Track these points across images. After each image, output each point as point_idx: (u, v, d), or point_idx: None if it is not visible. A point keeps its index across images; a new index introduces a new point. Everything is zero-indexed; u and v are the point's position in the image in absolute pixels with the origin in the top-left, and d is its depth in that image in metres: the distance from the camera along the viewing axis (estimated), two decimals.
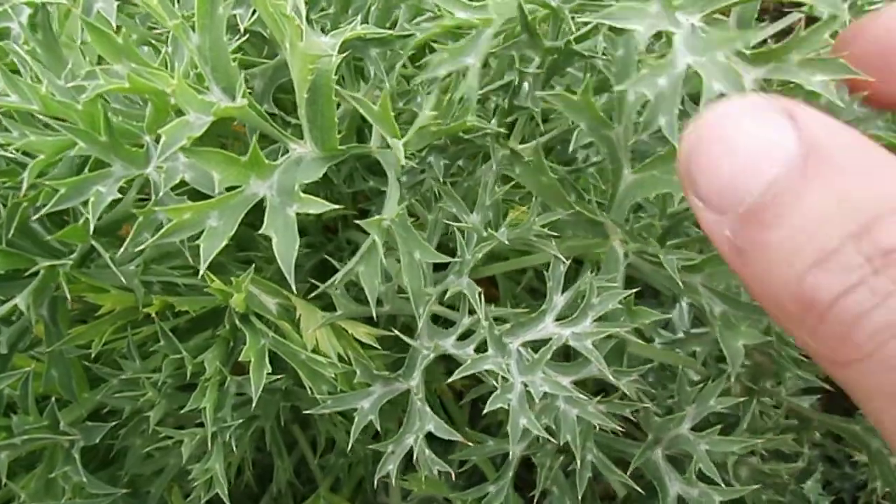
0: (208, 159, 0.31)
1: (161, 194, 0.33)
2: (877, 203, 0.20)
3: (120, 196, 0.34)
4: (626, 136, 0.43)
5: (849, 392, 0.22)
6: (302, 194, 0.33)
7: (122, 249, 0.32)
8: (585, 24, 0.47)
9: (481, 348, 0.44)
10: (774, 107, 0.22)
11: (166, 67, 0.36)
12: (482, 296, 0.45)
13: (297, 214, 0.63)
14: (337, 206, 0.33)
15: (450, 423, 0.71)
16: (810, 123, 0.21)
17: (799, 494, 0.50)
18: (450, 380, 0.43)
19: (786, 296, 0.21)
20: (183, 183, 0.37)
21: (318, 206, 0.33)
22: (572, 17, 0.44)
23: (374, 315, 0.40)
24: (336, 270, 0.45)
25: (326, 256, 0.57)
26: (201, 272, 0.30)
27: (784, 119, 0.22)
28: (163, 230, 0.31)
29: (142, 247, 0.31)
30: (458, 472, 0.69)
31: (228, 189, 0.34)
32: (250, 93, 0.43)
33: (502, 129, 0.45)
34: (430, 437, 0.70)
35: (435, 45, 0.37)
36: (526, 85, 0.46)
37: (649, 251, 0.44)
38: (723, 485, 0.42)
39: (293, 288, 0.33)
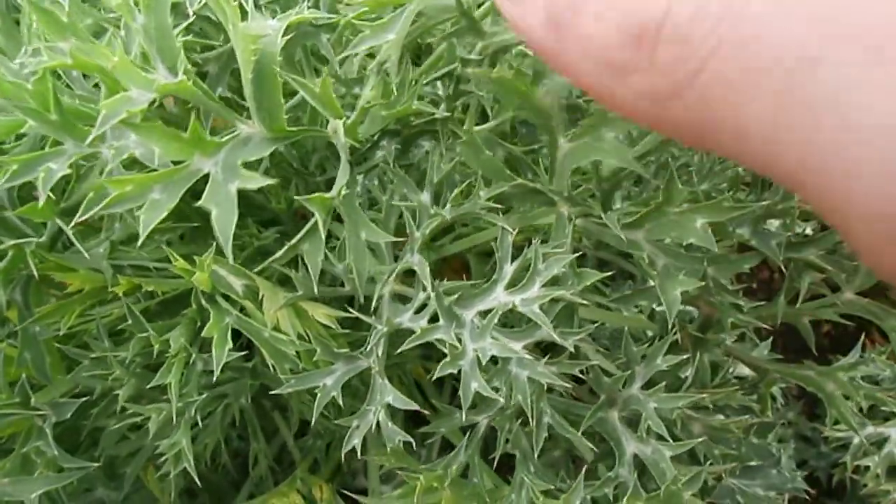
0: (149, 133, 0.32)
1: (110, 168, 0.34)
2: None
3: (69, 172, 0.35)
4: (557, 106, 0.44)
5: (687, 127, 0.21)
6: (242, 169, 0.34)
7: (72, 224, 0.34)
8: None
9: (435, 320, 0.46)
10: None
11: (118, 46, 0.37)
12: (433, 274, 0.46)
13: (266, 203, 0.64)
14: (273, 181, 0.35)
15: (425, 402, 0.72)
16: None
17: (754, 447, 0.52)
18: (399, 350, 0.44)
19: (614, 43, 0.20)
20: (141, 165, 0.39)
21: (258, 181, 0.34)
22: None
23: (316, 290, 0.41)
24: None
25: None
26: (140, 240, 0.32)
27: None
28: (105, 200, 0.32)
29: (83, 217, 0.33)
30: (438, 451, 0.71)
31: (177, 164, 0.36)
32: (202, 76, 0.45)
33: (447, 114, 0.47)
34: (406, 419, 0.72)
35: (357, 24, 0.39)
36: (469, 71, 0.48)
37: (594, 213, 0.46)
38: (671, 441, 0.43)
39: (230, 259, 0.34)
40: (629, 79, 0.21)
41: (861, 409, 0.54)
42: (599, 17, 0.21)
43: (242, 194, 0.45)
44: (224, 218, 0.34)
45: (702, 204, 0.37)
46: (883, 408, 0.53)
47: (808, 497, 0.59)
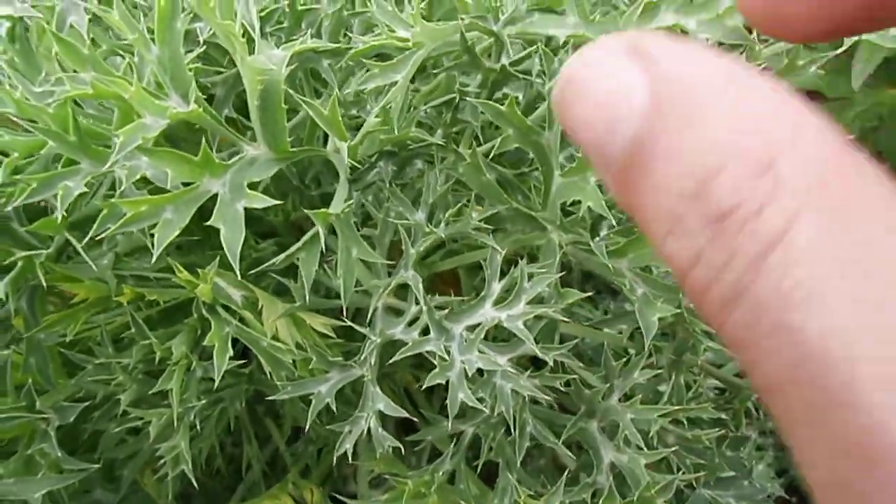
0: (162, 158, 0.35)
1: (123, 188, 0.37)
2: (716, 154, 0.18)
3: (87, 190, 0.37)
4: (555, 141, 0.47)
5: None
6: (248, 190, 0.37)
7: (86, 238, 0.36)
8: (524, 47, 0.52)
9: (426, 333, 0.49)
10: (622, 48, 0.19)
11: (133, 74, 0.40)
12: (425, 287, 0.49)
13: (264, 216, 0.66)
14: (278, 202, 0.37)
15: (415, 410, 0.75)
16: (659, 59, 0.19)
17: (727, 458, 0.54)
18: (392, 360, 0.47)
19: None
20: (147, 182, 0.41)
21: (263, 201, 0.37)
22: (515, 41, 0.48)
23: (307, 298, 0.43)
24: None
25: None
26: (154, 257, 0.34)
27: (633, 62, 0.19)
28: (122, 220, 0.34)
29: (102, 235, 0.35)
30: (427, 459, 0.74)
31: (186, 185, 0.38)
32: (207, 99, 0.47)
33: (442, 141, 0.50)
34: (396, 427, 0.74)
35: (366, 63, 0.41)
36: (468, 100, 0.51)
37: (582, 241, 0.48)
38: (646, 450, 0.46)
39: (237, 273, 0.36)
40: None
41: None
42: (648, 227, 0.19)
43: None
44: (232, 236, 0.36)
45: None
46: None
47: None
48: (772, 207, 0.17)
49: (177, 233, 0.35)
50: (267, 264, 0.42)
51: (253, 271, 0.53)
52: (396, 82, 0.39)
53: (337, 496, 0.75)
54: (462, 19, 0.41)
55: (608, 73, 0.20)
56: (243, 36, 0.38)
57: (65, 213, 0.47)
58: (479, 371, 0.47)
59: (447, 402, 0.49)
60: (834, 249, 0.16)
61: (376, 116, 0.46)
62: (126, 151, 0.34)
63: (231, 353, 0.49)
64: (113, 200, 0.35)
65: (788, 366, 0.17)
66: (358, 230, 0.53)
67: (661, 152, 0.19)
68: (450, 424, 0.47)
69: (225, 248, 0.36)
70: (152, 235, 0.40)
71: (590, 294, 0.46)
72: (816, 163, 0.17)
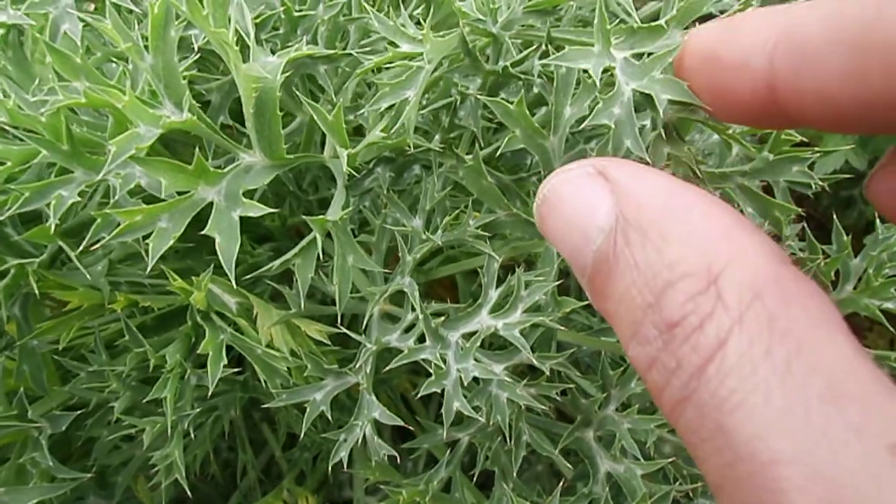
0: (156, 168, 0.35)
1: (117, 197, 0.36)
2: (669, 269, 0.20)
3: (80, 199, 0.37)
4: (560, 146, 0.47)
5: None
6: (244, 199, 0.37)
7: (80, 247, 0.36)
8: (523, 48, 0.52)
9: (422, 341, 0.48)
10: (590, 171, 0.22)
11: (127, 82, 0.39)
12: (422, 293, 0.49)
13: (261, 221, 0.66)
14: (273, 210, 0.37)
15: (411, 417, 0.74)
16: (622, 184, 0.21)
17: None
18: (387, 368, 0.47)
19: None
20: (142, 189, 0.41)
21: (259, 210, 0.37)
22: (513, 43, 0.48)
23: (303, 304, 0.43)
24: None
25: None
26: (149, 266, 0.33)
27: (600, 183, 0.22)
28: (117, 230, 0.34)
29: (97, 245, 0.35)
30: (423, 466, 0.73)
31: (181, 194, 0.38)
32: (203, 106, 0.47)
33: (440, 147, 0.49)
34: (393, 433, 0.73)
35: (374, 80, 0.41)
36: (468, 103, 0.51)
37: None
38: (643, 460, 0.46)
39: (233, 281, 0.36)
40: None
41: None
42: (617, 331, 0.21)
43: None
44: (227, 245, 0.36)
45: None
46: None
47: None
48: (711, 322, 0.19)
49: (171, 242, 0.35)
50: (262, 269, 0.42)
51: (248, 276, 0.53)
52: (408, 99, 0.39)
53: (332, 503, 0.75)
54: (463, 24, 0.41)
55: (577, 194, 0.22)
56: (238, 43, 0.38)
57: (58, 221, 0.47)
58: (475, 379, 0.47)
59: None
60: (762, 363, 0.18)
61: (383, 130, 0.45)
62: (119, 161, 0.33)
63: (225, 360, 0.49)
64: (107, 210, 0.34)
65: (726, 466, 0.18)
66: (355, 236, 0.53)
67: (623, 265, 0.21)
68: (445, 432, 0.47)
69: (221, 258, 0.36)
70: (147, 243, 0.39)
71: (587, 302, 0.45)
72: (755, 281, 0.19)
